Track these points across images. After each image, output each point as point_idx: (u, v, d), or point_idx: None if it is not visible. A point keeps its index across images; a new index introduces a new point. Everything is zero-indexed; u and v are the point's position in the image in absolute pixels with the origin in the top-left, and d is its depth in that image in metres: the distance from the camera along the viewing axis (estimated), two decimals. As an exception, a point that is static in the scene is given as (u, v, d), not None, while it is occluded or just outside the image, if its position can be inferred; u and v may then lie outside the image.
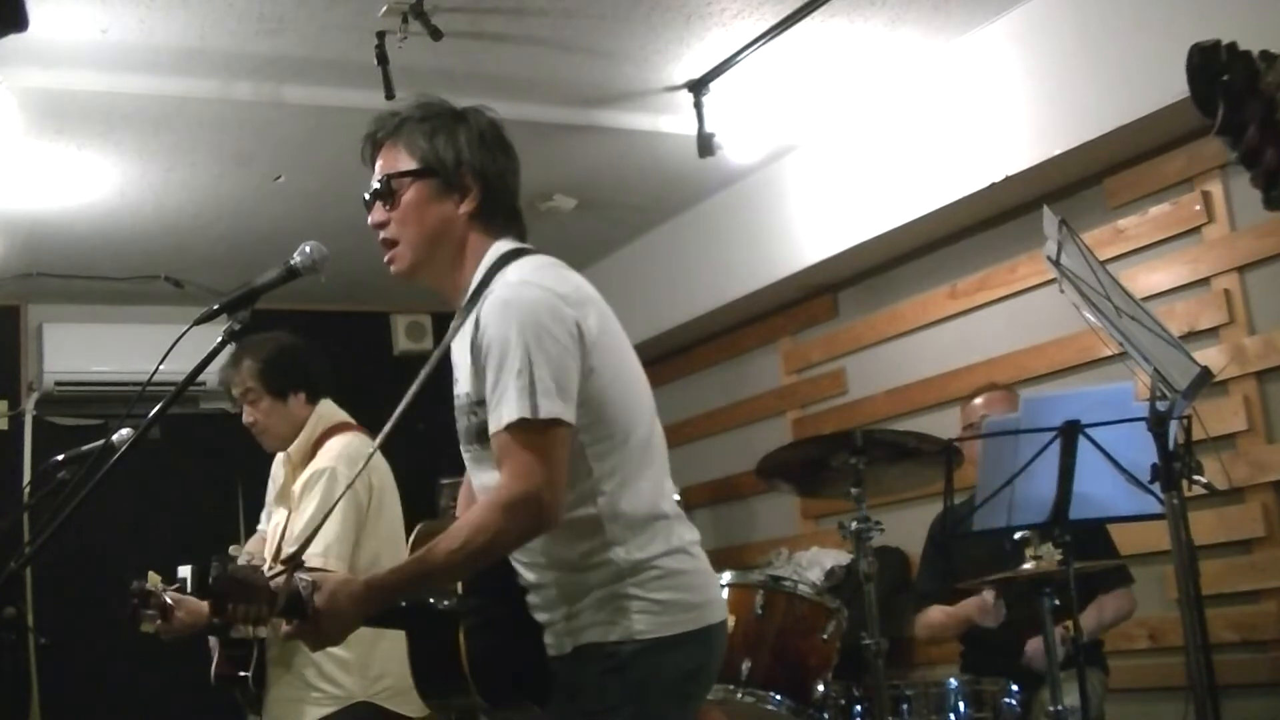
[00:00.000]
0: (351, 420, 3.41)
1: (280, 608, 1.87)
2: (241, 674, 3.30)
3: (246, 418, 3.38)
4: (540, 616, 2.09)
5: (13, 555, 3.09)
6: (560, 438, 1.94)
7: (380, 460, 3.31)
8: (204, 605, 3.19)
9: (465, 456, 2.16)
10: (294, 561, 1.90)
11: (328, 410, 3.40)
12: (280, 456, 3.48)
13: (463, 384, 2.08)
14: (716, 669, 2.15)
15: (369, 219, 2.17)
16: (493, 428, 1.96)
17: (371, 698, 3.22)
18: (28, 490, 4.74)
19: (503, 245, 2.14)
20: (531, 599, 2.10)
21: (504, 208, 2.18)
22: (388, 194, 2.14)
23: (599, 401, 2.02)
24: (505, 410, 1.93)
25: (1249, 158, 1.30)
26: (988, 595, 3.66)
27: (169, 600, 3.17)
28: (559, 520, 1.96)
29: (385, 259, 2.16)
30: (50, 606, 5.26)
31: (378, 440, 2.20)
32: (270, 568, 1.95)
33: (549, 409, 1.92)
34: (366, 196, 2.18)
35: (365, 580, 1.96)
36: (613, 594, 2.01)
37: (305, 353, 3.40)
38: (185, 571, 3.23)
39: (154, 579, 3.21)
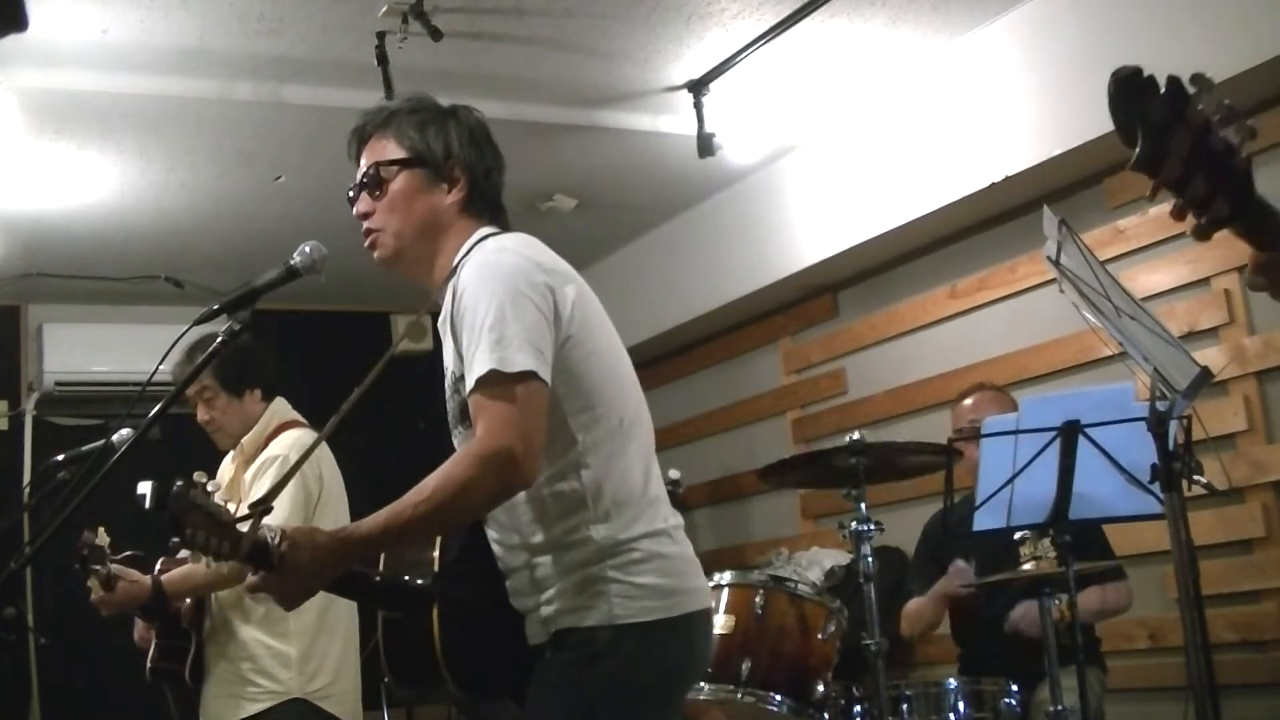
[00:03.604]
0: (303, 419, 3.45)
1: (245, 552, 1.82)
2: (178, 666, 3.29)
3: (202, 415, 3.39)
4: (518, 604, 2.05)
5: (13, 555, 3.09)
6: (535, 392, 1.90)
7: (331, 458, 3.35)
8: (144, 584, 3.19)
9: (455, 441, 2.10)
10: (261, 508, 1.83)
11: (282, 407, 3.45)
12: (228, 456, 3.50)
13: (448, 362, 2.07)
14: (701, 662, 2.10)
15: (355, 208, 2.17)
16: (468, 389, 1.93)
17: (307, 695, 3.22)
18: (28, 490, 4.74)
19: (485, 230, 2.15)
20: (509, 584, 2.06)
21: (490, 201, 2.19)
22: (375, 182, 2.14)
23: (578, 372, 2.00)
24: (478, 365, 1.90)
25: (1174, 187, 1.28)
26: (959, 562, 3.66)
27: (113, 570, 3.16)
28: (534, 477, 1.91)
29: (368, 244, 2.16)
30: (50, 606, 5.25)
31: (328, 427, 2.09)
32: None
33: (523, 361, 1.89)
34: (351, 190, 2.18)
35: (331, 532, 1.91)
36: (590, 576, 1.96)
37: (259, 350, 3.42)
38: (145, 488, 3.19)
39: (104, 538, 3.19)
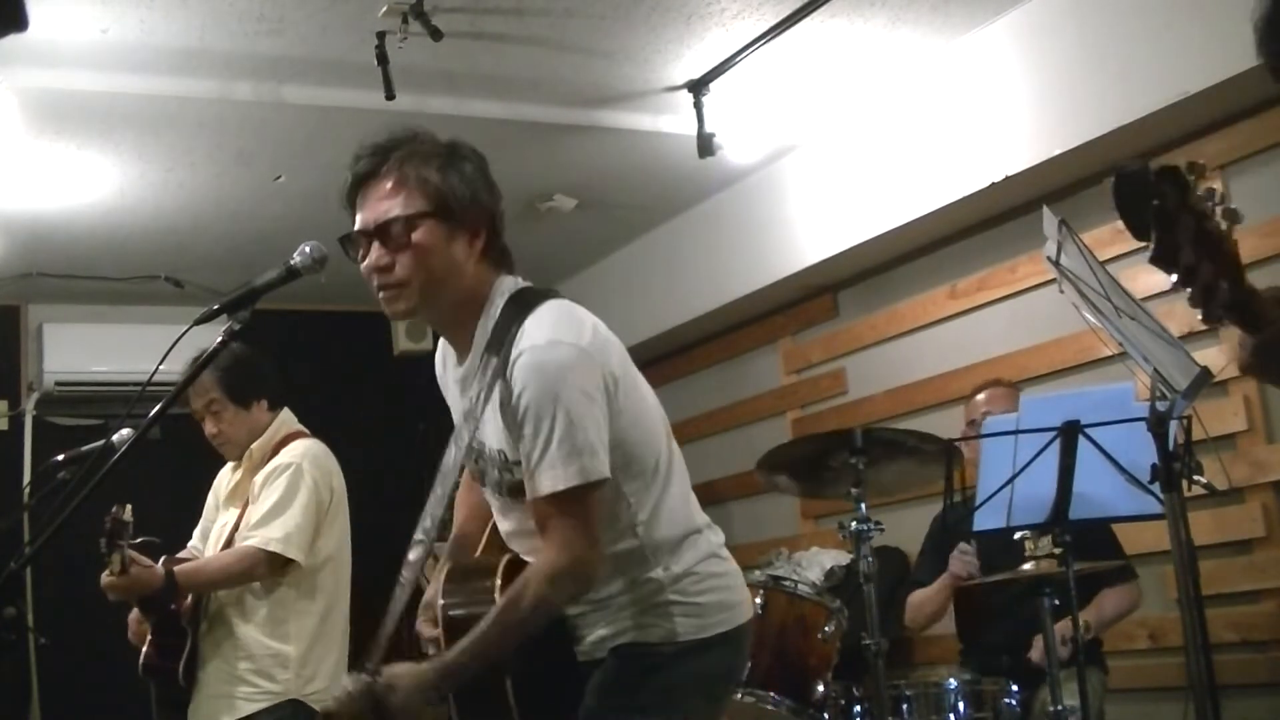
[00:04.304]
0: (307, 430, 3.47)
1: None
2: (171, 665, 3.27)
3: (210, 429, 3.39)
4: (573, 625, 2.13)
5: (13, 555, 3.08)
6: (598, 497, 1.99)
7: (339, 469, 3.38)
8: (157, 571, 3.17)
9: (491, 500, 2.20)
10: (377, 666, 1.95)
11: (289, 417, 3.47)
12: (229, 464, 3.51)
13: (492, 439, 2.07)
14: (744, 668, 2.24)
15: (368, 259, 2.02)
16: (534, 492, 1.97)
17: (303, 697, 3.21)
18: (28, 490, 4.74)
19: (508, 282, 2.10)
20: (569, 614, 2.13)
21: (500, 243, 2.13)
22: (398, 233, 2.00)
23: (628, 440, 2.05)
24: (553, 477, 1.94)
25: (1185, 278, 1.28)
26: (963, 546, 3.67)
27: (128, 554, 3.14)
28: (602, 572, 2.03)
29: (385, 297, 2.05)
30: (50, 606, 5.25)
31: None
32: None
33: (600, 468, 1.96)
34: (353, 237, 2.05)
35: (433, 666, 1.98)
36: (655, 602, 2.08)
37: (262, 360, 3.43)
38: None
39: (130, 515, 3.14)
